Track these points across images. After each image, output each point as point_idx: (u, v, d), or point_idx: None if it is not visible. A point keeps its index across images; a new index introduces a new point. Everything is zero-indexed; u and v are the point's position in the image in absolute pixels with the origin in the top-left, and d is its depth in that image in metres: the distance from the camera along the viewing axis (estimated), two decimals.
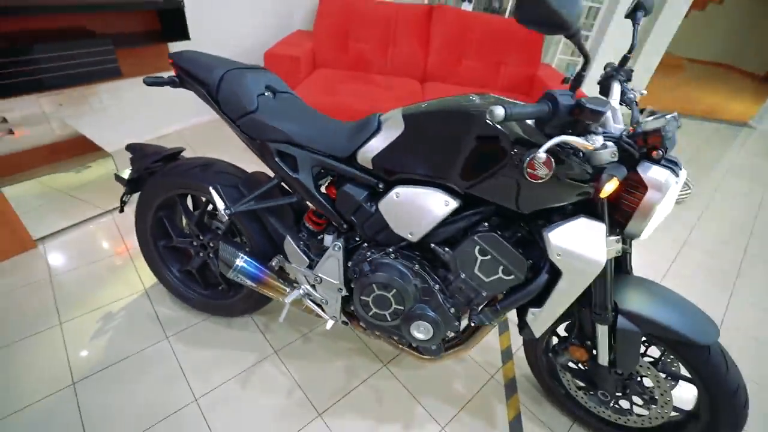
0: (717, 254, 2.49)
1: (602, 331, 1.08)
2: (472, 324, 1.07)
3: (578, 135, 0.81)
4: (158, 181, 1.35)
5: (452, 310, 1.05)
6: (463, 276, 1.01)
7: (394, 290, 1.05)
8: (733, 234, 2.72)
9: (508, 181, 0.89)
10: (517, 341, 1.69)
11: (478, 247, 0.97)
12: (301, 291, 1.23)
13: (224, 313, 1.57)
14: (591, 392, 1.25)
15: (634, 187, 0.90)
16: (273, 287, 1.28)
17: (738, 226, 2.82)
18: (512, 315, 1.81)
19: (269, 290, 1.28)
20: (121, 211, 1.46)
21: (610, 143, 0.87)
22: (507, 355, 1.63)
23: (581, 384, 1.29)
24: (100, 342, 1.49)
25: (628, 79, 1.13)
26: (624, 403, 1.33)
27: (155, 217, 1.46)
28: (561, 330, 1.35)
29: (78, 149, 2.15)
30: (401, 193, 1.01)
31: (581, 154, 0.90)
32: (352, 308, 1.27)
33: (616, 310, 1.05)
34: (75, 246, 1.90)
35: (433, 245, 1.03)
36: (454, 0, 4.07)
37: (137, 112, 2.68)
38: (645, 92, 1.20)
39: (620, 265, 1.15)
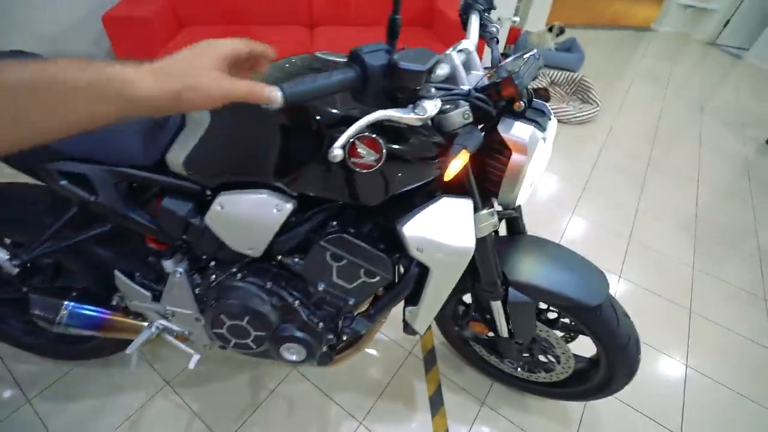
0: (626, 170, 2.54)
1: (496, 306, 0.99)
2: (344, 338, 0.93)
3: (406, 102, 0.61)
4: None
5: (320, 324, 0.89)
6: (322, 287, 0.84)
7: (247, 317, 0.87)
8: (640, 146, 2.79)
9: (336, 173, 0.69)
10: None
11: (328, 253, 0.80)
12: (153, 330, 1.01)
13: (94, 355, 1.32)
14: (500, 359, 1.20)
15: (498, 149, 0.75)
16: (124, 328, 1.05)
17: (643, 137, 2.89)
18: None
19: (119, 333, 1.05)
20: None
21: (462, 102, 0.69)
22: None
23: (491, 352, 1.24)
24: None
25: (490, 8, 0.93)
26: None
27: None
28: (467, 297, 1.26)
29: None
30: (225, 202, 0.79)
31: (428, 122, 0.72)
32: None
33: (507, 282, 0.94)
34: None
35: (280, 258, 0.84)
36: None
37: None
38: (516, 19, 1.03)
39: (512, 226, 1.03)
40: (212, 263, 0.94)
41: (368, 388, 1.35)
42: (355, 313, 0.92)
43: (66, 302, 0.98)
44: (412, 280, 0.83)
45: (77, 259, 1.00)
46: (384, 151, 0.64)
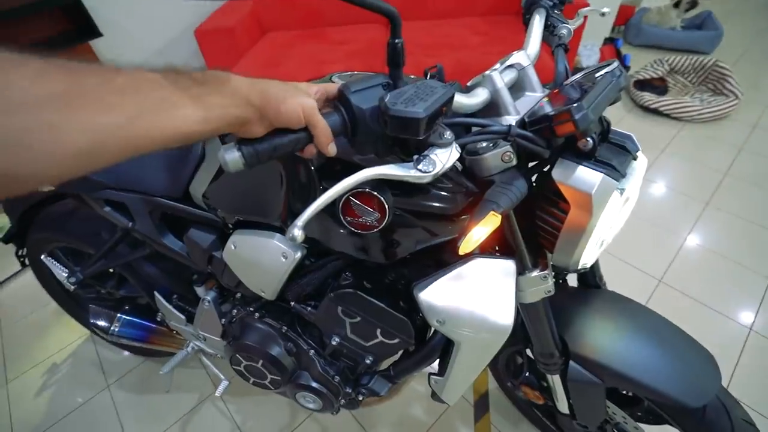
0: None
1: (553, 379, 0.79)
2: (360, 399, 0.82)
3: (413, 150, 0.47)
4: (31, 236, 1.16)
5: (336, 378, 0.80)
6: (337, 341, 0.75)
7: (262, 360, 0.81)
8: None
9: (338, 227, 0.58)
10: None
11: (339, 308, 0.70)
12: (188, 350, 1.03)
13: (160, 353, 1.43)
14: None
15: (554, 200, 0.56)
16: (168, 342, 1.10)
17: None
18: None
19: (164, 346, 1.10)
20: (23, 266, 1.31)
21: (502, 143, 0.53)
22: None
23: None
24: (43, 398, 1.43)
25: (562, 2, 0.72)
26: None
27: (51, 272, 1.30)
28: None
29: None
30: (238, 242, 0.74)
31: (455, 166, 0.57)
32: None
33: (567, 352, 0.74)
34: (22, 294, 1.83)
35: (294, 304, 0.77)
36: None
37: None
38: (607, 10, 0.77)
39: (585, 277, 0.82)
40: (238, 295, 0.92)
41: (409, 428, 1.24)
42: (376, 370, 0.81)
43: (119, 314, 1.05)
44: (437, 350, 0.69)
45: (130, 274, 1.06)
46: (388, 209, 0.51)
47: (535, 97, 0.62)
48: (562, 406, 0.84)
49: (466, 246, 0.50)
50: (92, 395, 1.42)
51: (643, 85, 2.54)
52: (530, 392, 0.91)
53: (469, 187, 0.56)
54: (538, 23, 0.69)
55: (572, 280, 0.83)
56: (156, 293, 0.99)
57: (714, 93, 2.47)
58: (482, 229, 0.48)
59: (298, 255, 0.68)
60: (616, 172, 0.52)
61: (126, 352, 1.51)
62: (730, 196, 1.91)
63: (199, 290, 0.95)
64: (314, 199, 0.45)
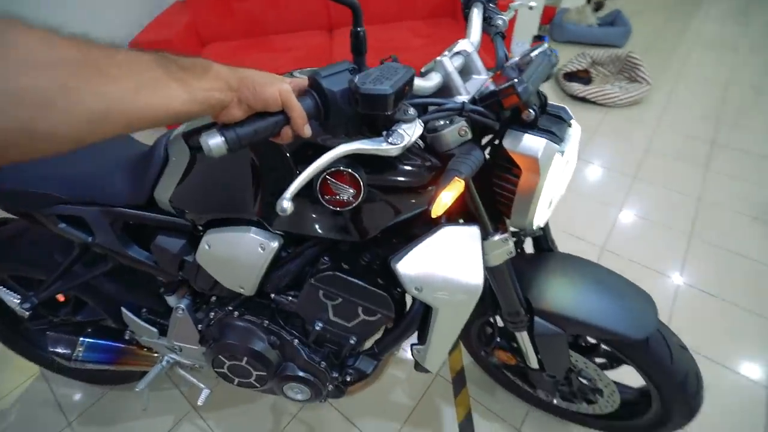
0: (683, 155, 2.24)
1: (521, 337, 0.87)
2: (348, 379, 0.86)
3: (381, 128, 0.52)
4: None
5: (323, 364, 0.83)
6: (320, 326, 0.78)
7: (246, 357, 0.82)
8: (701, 125, 2.45)
9: (314, 210, 0.62)
10: None
11: (321, 292, 0.73)
12: (163, 364, 1.00)
13: (124, 380, 1.36)
14: (533, 388, 1.08)
15: (507, 166, 0.63)
16: (139, 360, 1.05)
17: (705, 117, 2.54)
18: None
19: (134, 365, 1.06)
20: None
21: (457, 118, 0.59)
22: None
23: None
24: None
25: None
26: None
27: None
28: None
29: None
30: (212, 241, 0.74)
31: (417, 144, 0.62)
32: None
33: (531, 310, 0.82)
34: None
35: (274, 296, 0.79)
36: None
37: None
38: (534, 4, 0.87)
39: (538, 242, 0.91)
40: (213, 298, 0.91)
41: (393, 414, 1.27)
42: (360, 351, 0.85)
43: (81, 338, 1.00)
44: (418, 318, 0.74)
45: (91, 295, 1.01)
46: (363, 185, 0.55)
47: (481, 79, 0.70)
48: (532, 361, 0.92)
49: (436, 209, 0.55)
50: None
51: (570, 76, 2.79)
52: (503, 355, 0.99)
53: (432, 161, 0.61)
54: (477, 15, 0.77)
55: (528, 247, 0.92)
56: (123, 309, 0.96)
57: (630, 80, 2.76)
58: (448, 193, 0.54)
59: (275, 245, 0.70)
60: (556, 137, 0.61)
61: (85, 386, 1.41)
62: (652, 169, 2.15)
63: (171, 299, 0.93)
64: (290, 183, 0.49)
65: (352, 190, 0.55)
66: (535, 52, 0.63)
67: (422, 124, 0.53)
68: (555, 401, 1.09)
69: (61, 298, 1.20)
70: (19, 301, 0.90)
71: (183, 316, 0.91)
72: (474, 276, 0.65)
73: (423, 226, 0.69)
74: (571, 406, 1.08)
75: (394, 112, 0.50)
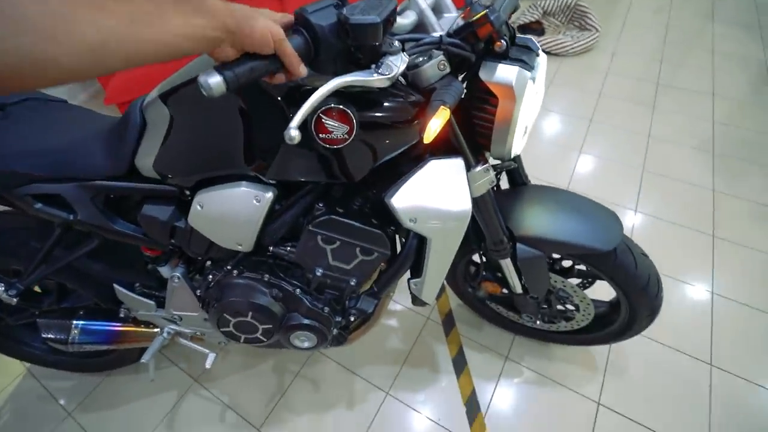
0: (633, 96, 2.38)
1: (506, 264, 0.95)
2: (352, 319, 0.91)
3: (369, 62, 0.55)
4: None
5: (326, 309, 0.87)
6: (320, 272, 0.81)
7: (251, 312, 0.85)
8: (647, 67, 2.60)
9: (307, 153, 0.64)
10: None
11: (319, 237, 0.76)
12: (164, 335, 1.01)
13: (117, 365, 1.35)
14: (518, 315, 1.18)
15: (484, 98, 0.68)
16: (138, 337, 1.06)
17: (650, 58, 2.69)
18: None
19: (134, 342, 1.06)
20: None
21: (435, 52, 0.62)
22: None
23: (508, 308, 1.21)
24: None
25: None
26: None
27: None
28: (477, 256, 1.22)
29: None
30: (204, 201, 0.75)
31: (401, 79, 0.65)
32: None
33: (513, 238, 0.90)
34: None
35: (272, 249, 0.81)
36: None
37: None
38: None
39: (513, 178, 0.97)
40: (208, 263, 0.92)
41: (391, 359, 1.35)
42: (360, 292, 0.89)
43: (75, 321, 0.98)
44: (412, 252, 0.79)
45: (76, 278, 0.99)
46: (355, 121, 0.58)
47: (452, 16, 0.72)
48: (517, 286, 1.01)
49: (427, 136, 0.59)
50: (54, 427, 1.30)
51: (524, 29, 2.85)
52: (490, 285, 1.07)
53: (415, 96, 0.64)
54: None
55: (504, 184, 0.98)
56: (116, 286, 0.95)
57: (580, 29, 2.86)
58: (437, 121, 0.58)
59: (270, 195, 0.71)
60: (527, 65, 0.65)
61: (79, 377, 1.39)
62: (606, 111, 2.28)
63: (164, 270, 0.93)
64: (283, 128, 0.51)
65: (345, 127, 0.58)
66: None
67: (407, 56, 0.55)
68: (538, 323, 1.20)
69: (39, 289, 1.16)
70: (3, 289, 0.87)
71: (179, 284, 0.92)
72: (462, 203, 0.70)
73: (409, 163, 0.72)
74: (552, 326, 1.20)
75: (381, 44, 0.52)
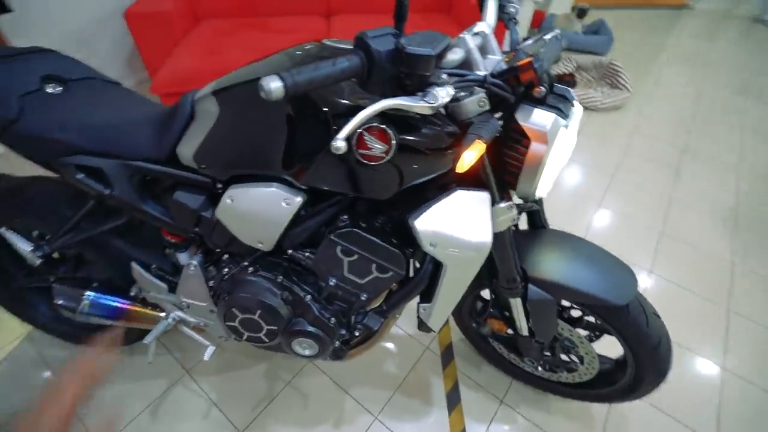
0: (658, 158, 2.40)
1: (515, 303, 0.94)
2: (357, 334, 0.91)
3: (416, 90, 0.58)
4: None
5: (332, 320, 0.88)
6: (333, 282, 0.83)
7: (259, 311, 0.86)
8: (672, 133, 2.63)
9: (344, 165, 0.67)
10: None
11: (339, 248, 0.77)
12: (169, 321, 1.03)
13: (114, 343, 1.36)
14: (520, 358, 1.16)
15: (517, 138, 0.70)
16: (142, 318, 1.07)
17: (678, 123, 2.72)
18: None
19: (138, 322, 1.07)
20: None
21: (477, 89, 0.65)
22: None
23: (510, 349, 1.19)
24: None
25: None
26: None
27: None
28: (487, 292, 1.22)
29: None
30: (235, 196, 0.78)
31: (441, 109, 0.68)
32: None
33: (526, 278, 0.90)
34: None
35: (291, 252, 0.83)
36: None
37: None
38: (540, 0, 0.94)
39: (533, 221, 0.98)
40: (225, 256, 0.94)
41: (384, 383, 1.34)
42: (368, 309, 0.90)
43: (87, 292, 1.01)
44: (427, 277, 0.80)
45: (97, 251, 1.02)
46: (394, 142, 0.61)
47: (496, 59, 0.76)
48: (523, 328, 1.00)
49: (460, 166, 0.61)
50: (38, 393, 1.30)
51: (557, 79, 2.93)
52: (496, 323, 1.06)
53: (452, 128, 0.67)
54: (492, 2, 0.83)
55: (523, 224, 0.99)
56: (134, 264, 0.97)
57: (611, 87, 2.92)
58: (471, 153, 0.60)
59: (299, 200, 0.74)
60: (563, 113, 0.68)
61: (74, 348, 1.40)
62: (629, 169, 2.30)
63: (182, 256, 0.96)
64: (326, 140, 0.54)
65: (384, 146, 0.60)
66: (548, 36, 0.70)
67: (453, 89, 0.58)
68: (539, 370, 1.18)
69: (57, 256, 1.19)
70: (31, 249, 0.90)
71: (194, 272, 0.94)
72: (484, 235, 0.71)
73: (436, 190, 0.75)
74: (553, 375, 1.17)
75: (430, 75, 0.55)
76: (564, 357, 1.09)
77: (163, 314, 1.08)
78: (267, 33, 2.45)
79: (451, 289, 0.80)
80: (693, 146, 2.51)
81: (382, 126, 0.59)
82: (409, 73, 0.54)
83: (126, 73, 2.78)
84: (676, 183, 2.22)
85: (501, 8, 0.85)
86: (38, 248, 0.90)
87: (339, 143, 0.51)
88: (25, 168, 1.02)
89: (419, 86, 0.57)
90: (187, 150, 0.80)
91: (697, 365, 1.41)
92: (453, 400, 1.30)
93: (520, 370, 1.26)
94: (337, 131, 0.55)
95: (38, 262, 0.92)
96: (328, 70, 0.51)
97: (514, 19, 0.83)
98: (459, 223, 0.72)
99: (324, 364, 1.38)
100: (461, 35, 0.72)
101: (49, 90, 0.88)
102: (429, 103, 0.55)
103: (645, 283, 1.67)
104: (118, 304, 1.03)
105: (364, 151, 0.61)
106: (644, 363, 0.93)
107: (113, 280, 1.06)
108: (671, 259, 1.78)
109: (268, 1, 2.64)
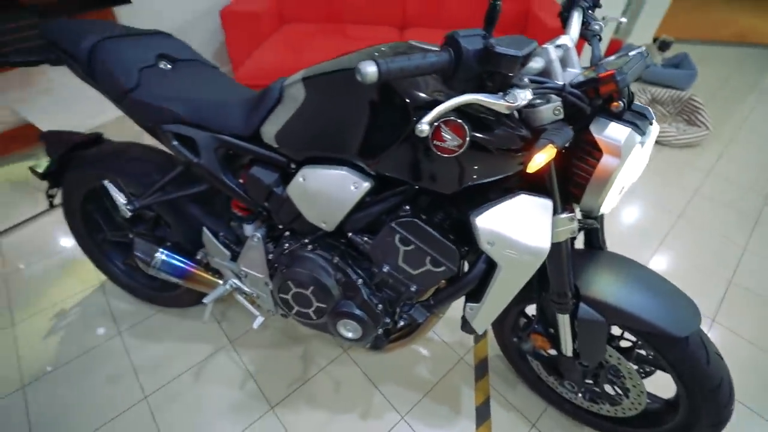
0: (734, 203, 2.22)
1: (563, 320, 0.92)
2: (401, 323, 0.93)
3: (497, 89, 0.60)
4: (73, 172, 1.21)
5: (380, 306, 0.91)
6: (386, 269, 0.86)
7: (312, 287, 0.91)
8: (754, 180, 2.42)
9: (417, 155, 0.70)
10: None
11: (398, 236, 0.81)
12: (227, 287, 1.11)
13: (174, 304, 1.48)
14: (559, 381, 1.12)
15: (587, 150, 0.70)
16: (203, 281, 1.16)
17: (763, 171, 2.51)
18: None
19: (199, 285, 1.17)
20: (51, 206, 1.35)
21: (553, 97, 0.67)
22: (479, 334, 1.51)
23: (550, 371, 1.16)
24: (52, 341, 1.44)
25: (594, 5, 0.88)
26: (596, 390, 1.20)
27: (84, 210, 1.34)
28: (531, 308, 1.20)
29: (35, 137, 2.02)
30: (308, 175, 0.84)
31: (515, 113, 0.70)
32: None
33: (578, 296, 0.88)
34: (30, 242, 1.83)
35: (351, 235, 0.87)
36: None
37: (86, 94, 2.51)
38: (624, 20, 0.94)
39: (590, 240, 0.96)
40: (287, 233, 1.01)
41: (414, 385, 1.34)
42: (415, 302, 0.92)
43: (161, 249, 1.12)
44: (478, 276, 0.81)
45: (174, 214, 1.13)
46: (467, 138, 0.63)
47: (575, 72, 0.77)
48: (568, 348, 0.97)
49: (531, 167, 0.63)
50: (103, 341, 1.44)
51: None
52: (539, 339, 1.04)
53: (524, 132, 0.69)
54: (576, 18, 0.84)
55: (579, 244, 0.97)
56: (205, 230, 1.07)
57: (688, 123, 2.75)
58: (542, 156, 0.62)
59: (367, 185, 0.79)
60: (639, 129, 0.67)
61: (137, 304, 1.55)
62: (700, 211, 2.15)
63: (248, 228, 1.04)
64: (403, 130, 0.58)
65: (458, 140, 0.63)
66: (633, 52, 0.70)
67: (532, 93, 0.60)
68: (578, 398, 1.13)
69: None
70: (125, 202, 1.02)
71: (256, 244, 1.01)
72: (542, 241, 0.72)
73: (499, 192, 0.76)
74: (593, 406, 1.12)
75: (513, 76, 0.58)
76: (608, 388, 1.04)
77: (221, 281, 1.17)
78: (345, 38, 2.59)
79: (502, 291, 0.80)
80: None
81: (458, 120, 0.62)
82: (494, 72, 0.57)
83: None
84: (754, 232, 2.04)
85: (585, 25, 0.86)
86: (130, 202, 1.02)
87: (424, 126, 0.55)
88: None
89: (501, 86, 0.60)
90: (270, 129, 0.87)
91: (760, 426, 1.28)
92: (483, 414, 1.27)
93: (557, 395, 1.21)
94: (416, 121, 0.59)
95: (129, 214, 1.04)
96: (419, 62, 0.55)
97: (599, 35, 0.83)
98: (519, 226, 0.73)
99: (358, 356, 1.41)
100: (544, 45, 0.74)
101: (161, 66, 1.00)
102: (508, 103, 0.57)
103: (707, 331, 1.54)
104: (185, 265, 1.13)
105: (438, 143, 0.64)
106: (699, 406, 0.87)
107: (183, 243, 1.17)
108: (738, 311, 1.64)
109: (349, 9, 2.80)
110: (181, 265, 1.13)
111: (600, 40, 0.83)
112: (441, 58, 0.56)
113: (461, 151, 0.64)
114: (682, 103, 2.83)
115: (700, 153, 2.61)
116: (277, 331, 1.48)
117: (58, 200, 1.33)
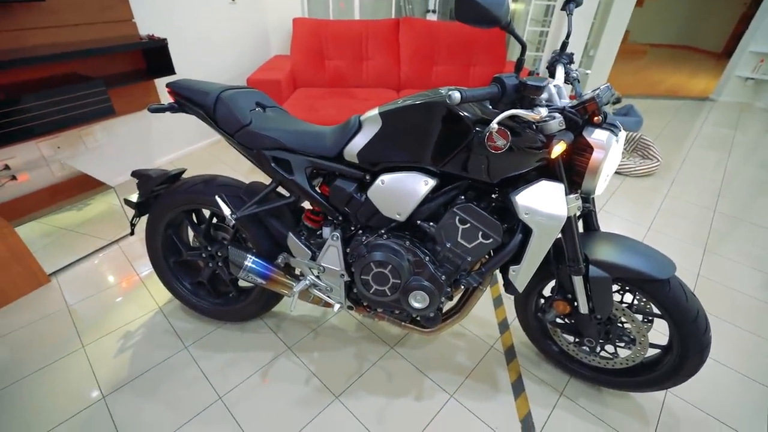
0: (690, 216, 2.65)
1: (578, 282, 1.22)
2: (462, 287, 1.21)
3: (527, 107, 0.96)
4: (164, 201, 1.47)
5: (443, 277, 1.18)
6: (448, 245, 1.15)
7: (390, 266, 1.18)
8: (702, 198, 2.90)
9: (475, 155, 1.03)
10: (512, 313, 1.82)
11: (458, 217, 1.11)
12: (307, 281, 1.35)
13: (236, 318, 1.67)
14: (579, 342, 1.38)
15: (583, 149, 1.05)
16: (281, 283, 1.40)
17: (707, 190, 3.00)
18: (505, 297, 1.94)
19: (278, 286, 1.39)
20: (132, 233, 1.58)
21: (557, 114, 1.03)
22: (504, 326, 1.76)
23: (570, 338, 1.42)
24: (123, 358, 1.58)
25: (570, 62, 1.30)
26: (609, 348, 1.46)
27: (164, 235, 1.58)
28: (546, 291, 1.48)
29: (78, 188, 2.25)
30: (386, 179, 1.15)
31: (534, 126, 1.05)
32: (355, 291, 1.39)
33: (587, 261, 1.19)
34: (87, 277, 2.00)
35: (419, 222, 1.17)
36: (420, 12, 4.31)
37: (132, 146, 2.81)
38: (588, 72, 1.37)
39: (588, 223, 1.29)
40: (360, 231, 1.29)
41: (456, 370, 1.55)
42: (470, 271, 1.20)
43: (249, 255, 1.36)
44: (517, 243, 1.11)
45: (257, 226, 1.39)
46: (510, 138, 0.97)
47: (566, 101, 1.15)
48: (584, 305, 1.25)
49: (553, 153, 0.96)
50: (171, 354, 1.60)
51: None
52: (561, 305, 1.31)
53: (541, 139, 1.04)
54: (560, 70, 1.25)
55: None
56: (290, 234, 1.33)
57: (642, 157, 3.29)
58: (558, 148, 0.96)
59: (434, 181, 1.10)
60: (614, 132, 1.03)
61: (196, 323, 1.72)
62: (662, 224, 2.56)
63: (326, 230, 1.31)
64: (464, 138, 0.93)
65: (504, 141, 0.97)
66: (602, 86, 1.09)
67: (547, 110, 0.96)
68: (596, 359, 1.38)
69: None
70: (230, 212, 1.28)
71: (335, 242, 1.28)
72: (561, 210, 1.04)
73: (525, 182, 1.09)
74: (608, 363, 1.37)
75: (536, 99, 0.94)
76: (618, 338, 1.31)
77: (294, 283, 1.41)
78: (351, 99, 3.05)
79: (537, 250, 1.10)
80: (724, 209, 2.76)
81: (503, 127, 0.97)
82: (524, 97, 0.93)
83: None
84: (710, 237, 2.44)
85: (567, 75, 1.27)
86: (233, 213, 1.29)
87: (494, 125, 0.89)
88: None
89: (529, 105, 0.96)
90: (353, 150, 1.19)
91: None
92: (518, 388, 1.49)
93: (577, 362, 1.45)
94: (480, 131, 0.93)
95: (233, 223, 1.29)
96: (481, 92, 0.90)
97: (577, 79, 1.24)
98: (544, 200, 1.05)
99: (404, 350, 1.62)
100: (546, 84, 1.12)
101: (258, 109, 1.33)
102: (535, 114, 0.93)
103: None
104: (268, 269, 1.37)
105: (491, 143, 0.97)
106: (686, 337, 1.15)
107: (262, 251, 1.42)
108: (704, 298, 1.96)
109: (350, 76, 3.30)
110: (265, 269, 1.37)
111: (579, 82, 1.23)
112: (493, 90, 0.92)
113: (505, 148, 0.98)
114: (635, 141, 3.39)
115: (656, 180, 3.11)
116: (329, 337, 1.68)
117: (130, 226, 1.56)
